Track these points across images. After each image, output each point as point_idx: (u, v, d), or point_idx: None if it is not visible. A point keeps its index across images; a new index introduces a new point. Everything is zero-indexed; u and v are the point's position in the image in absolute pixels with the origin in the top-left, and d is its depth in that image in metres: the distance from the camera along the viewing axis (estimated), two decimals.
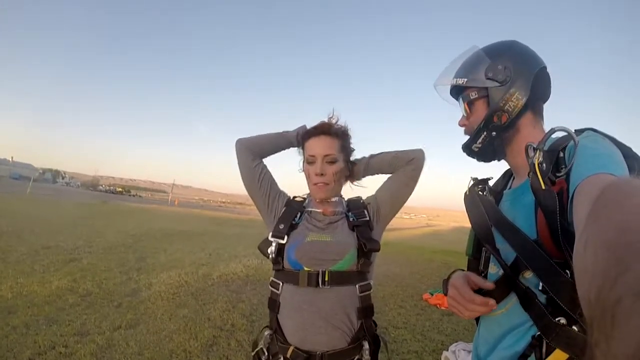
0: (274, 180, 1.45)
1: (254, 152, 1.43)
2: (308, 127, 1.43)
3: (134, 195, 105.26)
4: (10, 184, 51.83)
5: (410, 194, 1.42)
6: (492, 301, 0.87)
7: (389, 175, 1.44)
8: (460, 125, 1.08)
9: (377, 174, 1.47)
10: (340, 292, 1.24)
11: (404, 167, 1.40)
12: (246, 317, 4.17)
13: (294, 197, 1.45)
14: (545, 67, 0.99)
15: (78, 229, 10.77)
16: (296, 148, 1.48)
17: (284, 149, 1.48)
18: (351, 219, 1.34)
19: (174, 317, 4.07)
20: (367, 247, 1.25)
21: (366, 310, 1.28)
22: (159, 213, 24.25)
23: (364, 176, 1.48)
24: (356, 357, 1.24)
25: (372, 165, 1.45)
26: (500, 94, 0.97)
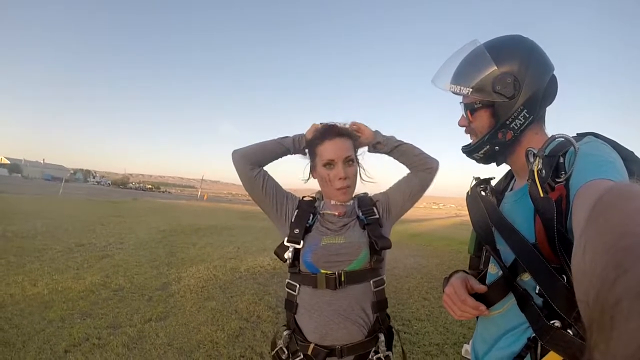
0: (278, 184, 1.48)
1: (252, 162, 1.44)
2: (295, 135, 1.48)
3: (163, 192, 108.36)
4: (43, 185, 54.55)
5: (417, 201, 1.48)
6: (482, 307, 0.93)
7: (403, 177, 1.49)
8: (460, 125, 1.07)
9: (396, 159, 1.49)
10: (356, 290, 1.32)
11: (419, 173, 1.46)
12: (272, 309, 4.33)
13: (303, 197, 1.50)
14: (554, 73, 0.96)
15: (109, 226, 11.34)
16: (301, 155, 1.52)
17: (281, 157, 1.50)
18: (362, 218, 1.39)
19: (202, 309, 4.27)
20: (378, 246, 1.32)
21: (381, 304, 1.35)
22: (189, 208, 24.94)
23: (386, 153, 1.49)
24: (373, 349, 1.33)
25: (401, 150, 1.46)
26: (507, 109, 0.94)
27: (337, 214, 1.41)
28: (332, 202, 1.42)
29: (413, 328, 4.01)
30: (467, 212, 1.11)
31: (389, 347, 1.37)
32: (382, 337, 1.34)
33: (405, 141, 1.47)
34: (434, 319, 4.31)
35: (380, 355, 1.33)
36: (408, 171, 1.49)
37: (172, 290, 4.95)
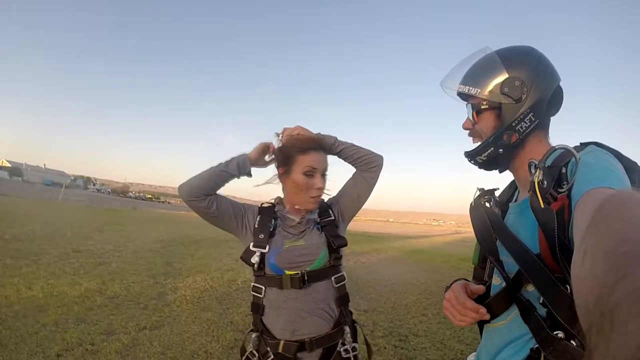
0: (231, 200, 1.50)
1: (198, 196, 1.43)
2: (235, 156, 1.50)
3: (163, 202, 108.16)
4: (43, 190, 54.69)
5: (368, 198, 1.60)
6: (483, 309, 0.93)
7: (349, 179, 1.58)
8: (465, 128, 1.10)
9: (341, 158, 1.55)
10: (319, 287, 1.43)
11: (364, 173, 1.55)
12: None
13: (262, 204, 1.55)
14: (560, 84, 1.00)
15: (108, 234, 11.38)
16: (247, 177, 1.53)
17: (227, 182, 1.49)
18: (317, 226, 1.50)
19: (197, 319, 4.26)
20: (335, 245, 1.44)
21: (343, 299, 1.47)
22: (188, 219, 24.88)
23: (331, 154, 1.53)
24: (340, 341, 1.43)
25: (345, 152, 1.53)
26: (513, 112, 0.97)
27: (297, 218, 1.46)
28: (297, 207, 1.47)
29: (410, 344, 3.99)
30: (467, 229, 1.11)
31: (354, 339, 1.47)
32: (347, 330, 1.44)
33: (344, 143, 1.54)
34: (432, 335, 4.29)
35: (347, 346, 1.43)
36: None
37: (168, 300, 4.95)
